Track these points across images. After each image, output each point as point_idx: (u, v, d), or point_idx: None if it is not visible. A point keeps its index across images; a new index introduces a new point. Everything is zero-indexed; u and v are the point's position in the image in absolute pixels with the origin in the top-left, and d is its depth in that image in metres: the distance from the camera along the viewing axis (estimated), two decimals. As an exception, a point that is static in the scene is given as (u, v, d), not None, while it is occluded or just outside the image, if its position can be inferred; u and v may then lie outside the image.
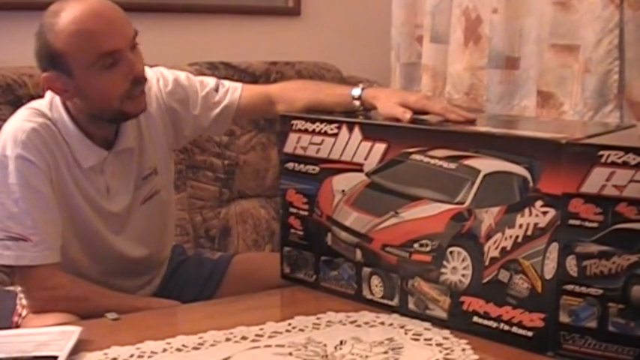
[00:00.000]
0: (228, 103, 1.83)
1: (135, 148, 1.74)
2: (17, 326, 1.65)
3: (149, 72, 1.79)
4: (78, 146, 1.66)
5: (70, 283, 1.63)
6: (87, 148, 1.67)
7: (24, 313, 1.67)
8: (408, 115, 1.60)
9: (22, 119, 1.63)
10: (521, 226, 1.36)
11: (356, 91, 1.73)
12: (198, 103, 1.82)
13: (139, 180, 1.77)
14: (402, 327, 1.48)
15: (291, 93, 1.84)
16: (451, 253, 1.46)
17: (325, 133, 1.63)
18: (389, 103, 1.66)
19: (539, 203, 1.34)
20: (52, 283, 1.61)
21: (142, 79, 1.63)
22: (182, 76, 1.84)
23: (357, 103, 1.73)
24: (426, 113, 1.64)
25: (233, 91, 1.85)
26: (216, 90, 1.84)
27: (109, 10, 1.59)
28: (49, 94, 1.68)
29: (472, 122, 1.60)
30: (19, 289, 1.72)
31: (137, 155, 1.76)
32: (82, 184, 1.68)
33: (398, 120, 1.60)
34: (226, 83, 1.87)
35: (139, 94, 1.63)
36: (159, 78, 1.80)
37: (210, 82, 1.86)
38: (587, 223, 1.29)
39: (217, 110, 1.83)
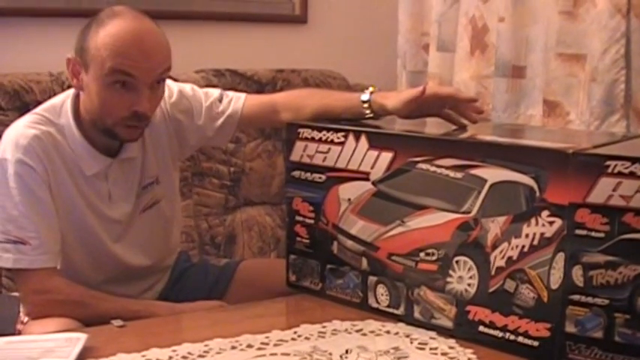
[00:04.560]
0: (231, 112, 1.84)
1: (138, 157, 1.76)
2: (19, 333, 1.65)
3: None
4: (82, 154, 1.68)
5: (66, 288, 1.63)
6: (91, 156, 1.68)
7: (26, 319, 1.67)
8: (421, 88, 1.66)
9: (26, 125, 1.65)
10: (527, 235, 1.36)
11: (364, 96, 1.74)
12: (202, 114, 1.82)
13: (139, 189, 1.78)
14: (407, 336, 1.48)
15: (298, 100, 1.84)
16: (457, 262, 1.46)
17: (332, 142, 1.63)
18: (400, 95, 1.70)
19: (545, 213, 1.33)
20: (48, 287, 1.62)
21: (142, 116, 1.62)
22: (187, 87, 1.86)
23: (366, 106, 1.73)
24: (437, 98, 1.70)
25: (236, 100, 1.86)
26: (220, 100, 1.85)
27: (152, 42, 1.60)
28: (61, 97, 1.71)
29: (474, 100, 1.71)
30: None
31: (140, 164, 1.77)
32: (84, 190, 1.69)
33: (416, 97, 1.66)
34: (230, 94, 1.88)
35: (134, 125, 1.64)
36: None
37: (215, 92, 1.87)
38: (593, 233, 1.29)
39: (221, 120, 1.84)
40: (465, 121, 1.72)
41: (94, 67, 1.59)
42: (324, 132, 1.64)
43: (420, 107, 1.69)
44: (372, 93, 1.73)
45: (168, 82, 1.84)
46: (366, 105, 1.73)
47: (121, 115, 1.61)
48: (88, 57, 1.60)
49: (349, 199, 1.62)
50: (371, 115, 1.73)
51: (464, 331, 1.46)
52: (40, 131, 1.63)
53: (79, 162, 1.68)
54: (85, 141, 1.67)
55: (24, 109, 2.05)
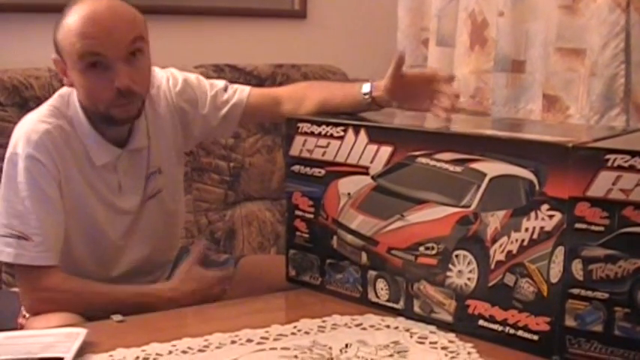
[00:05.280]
0: (236, 101, 1.85)
1: (145, 146, 1.76)
2: (21, 328, 1.66)
3: (159, 72, 1.81)
4: (92, 144, 1.68)
5: (63, 284, 1.63)
6: (101, 146, 1.69)
7: (28, 314, 1.67)
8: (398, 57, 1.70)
9: (38, 119, 1.65)
10: (527, 229, 1.36)
11: (366, 87, 1.75)
12: (206, 103, 1.83)
13: (145, 178, 1.78)
14: (407, 330, 1.48)
15: (300, 93, 1.85)
16: (457, 256, 1.46)
17: (331, 136, 1.63)
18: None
19: (545, 207, 1.33)
20: (46, 285, 1.62)
21: (126, 92, 1.60)
22: (192, 77, 1.86)
23: (367, 97, 1.74)
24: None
25: (241, 91, 1.87)
26: (225, 90, 1.86)
27: (111, 16, 1.59)
28: (67, 88, 1.71)
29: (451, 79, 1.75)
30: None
31: (147, 154, 1.77)
32: (94, 182, 1.69)
33: (397, 65, 1.69)
34: (235, 85, 1.89)
35: (126, 103, 1.63)
36: (169, 78, 1.82)
37: (220, 83, 1.88)
38: (593, 227, 1.29)
39: (225, 109, 1.84)
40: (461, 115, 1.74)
41: (68, 59, 1.60)
42: (324, 126, 1.64)
43: (408, 89, 1.72)
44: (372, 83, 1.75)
45: (173, 70, 1.85)
46: (366, 97, 1.74)
47: (107, 96, 1.60)
48: (61, 51, 1.61)
49: (349, 194, 1.62)
50: (370, 103, 1.74)
51: (464, 325, 1.46)
52: (52, 125, 1.64)
53: (88, 152, 1.68)
54: (94, 131, 1.68)
55: (23, 105, 2.06)
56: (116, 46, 1.58)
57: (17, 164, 1.61)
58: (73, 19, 1.58)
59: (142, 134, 1.74)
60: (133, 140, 1.73)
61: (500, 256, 1.40)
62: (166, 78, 1.82)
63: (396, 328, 1.50)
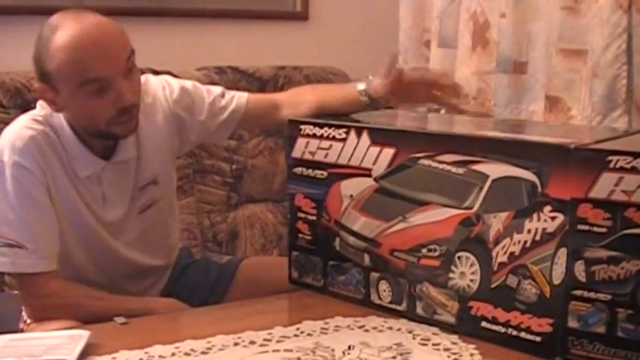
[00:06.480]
0: (234, 108, 1.83)
1: (133, 158, 1.73)
2: (22, 332, 1.65)
3: (154, 80, 1.79)
4: (76, 155, 1.66)
5: (63, 291, 1.63)
6: (85, 158, 1.66)
7: (29, 320, 1.67)
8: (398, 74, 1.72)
9: (22, 126, 1.63)
10: (529, 231, 1.36)
11: (361, 85, 1.76)
12: (204, 109, 1.81)
13: (136, 190, 1.75)
14: (410, 332, 1.48)
15: (297, 97, 1.85)
16: (459, 258, 1.46)
17: (333, 138, 1.63)
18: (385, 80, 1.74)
19: (547, 208, 1.33)
20: (46, 291, 1.61)
21: (130, 108, 1.59)
22: (188, 83, 1.84)
23: (364, 97, 1.74)
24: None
25: (239, 97, 1.86)
26: (222, 96, 1.84)
27: (103, 35, 1.56)
28: None
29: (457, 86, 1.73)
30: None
31: (134, 166, 1.74)
32: (80, 189, 1.68)
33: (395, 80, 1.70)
34: (232, 92, 1.88)
35: (128, 119, 1.61)
36: (165, 86, 1.80)
37: (217, 89, 1.86)
38: (595, 229, 1.29)
39: (224, 116, 1.83)
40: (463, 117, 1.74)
41: (64, 86, 1.56)
42: (326, 128, 1.64)
43: (409, 90, 1.73)
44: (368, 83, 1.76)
45: (168, 78, 1.83)
46: (364, 96, 1.74)
47: (109, 115, 1.58)
48: (52, 80, 1.57)
49: (351, 196, 1.62)
50: (368, 102, 1.74)
51: (466, 327, 1.46)
52: (37, 132, 1.61)
53: (72, 163, 1.66)
54: (78, 142, 1.65)
55: (25, 107, 2.05)
56: (116, 66, 1.56)
57: (4, 172, 1.59)
58: (64, 45, 1.53)
59: (130, 146, 1.71)
60: (119, 152, 1.70)
61: (503, 258, 1.40)
62: (162, 87, 1.79)
63: (399, 329, 1.50)
